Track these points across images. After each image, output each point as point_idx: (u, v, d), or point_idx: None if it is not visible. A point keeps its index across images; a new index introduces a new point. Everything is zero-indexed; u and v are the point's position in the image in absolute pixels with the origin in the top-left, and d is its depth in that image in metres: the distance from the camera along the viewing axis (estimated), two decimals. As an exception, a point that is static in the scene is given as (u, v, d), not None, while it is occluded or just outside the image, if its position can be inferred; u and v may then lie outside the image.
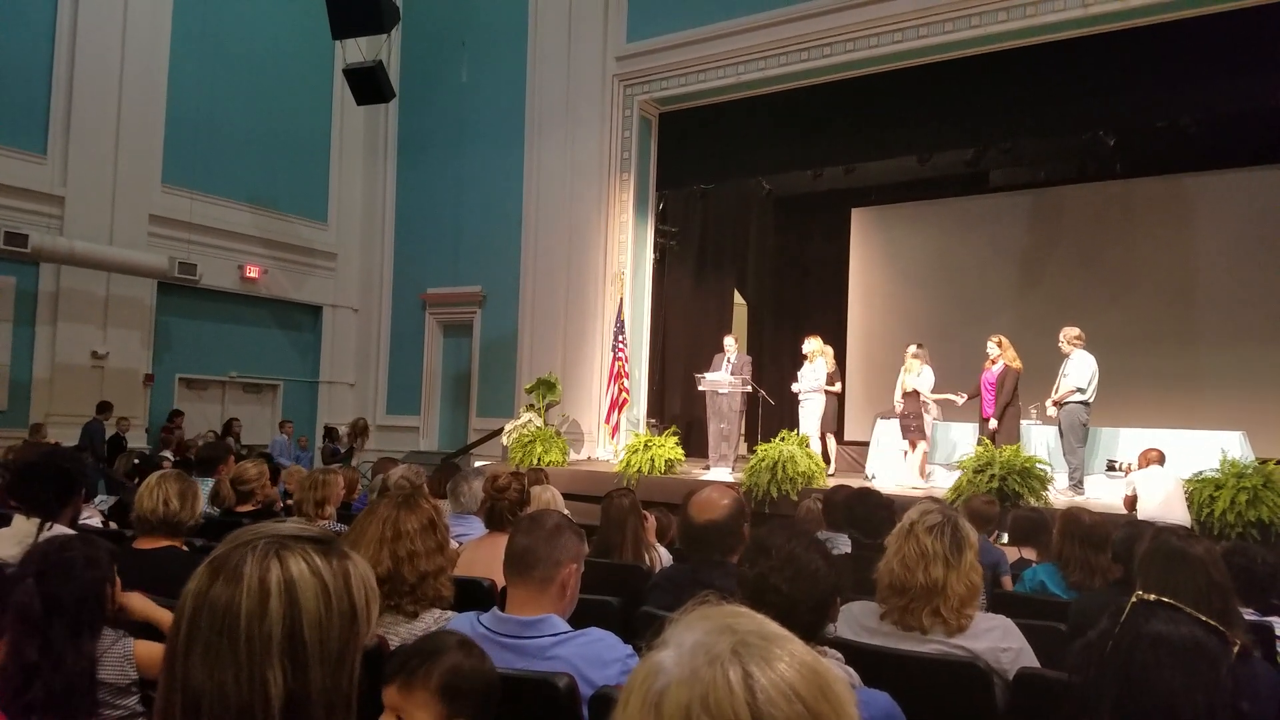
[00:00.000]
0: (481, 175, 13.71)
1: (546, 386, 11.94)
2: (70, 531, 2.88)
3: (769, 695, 0.73)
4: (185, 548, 2.94)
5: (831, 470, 10.04)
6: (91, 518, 4.75)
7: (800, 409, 10.39)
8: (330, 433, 14.25)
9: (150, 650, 2.04)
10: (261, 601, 1.03)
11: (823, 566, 2.10)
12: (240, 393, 14.27)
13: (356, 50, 11.54)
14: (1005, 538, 5.37)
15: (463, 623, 2.26)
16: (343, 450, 13.66)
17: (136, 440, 11.90)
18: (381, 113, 14.56)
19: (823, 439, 10.34)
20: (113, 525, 4.92)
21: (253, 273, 13.81)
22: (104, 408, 11.28)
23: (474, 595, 2.99)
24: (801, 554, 2.09)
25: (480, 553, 3.41)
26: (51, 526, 2.98)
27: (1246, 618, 3.00)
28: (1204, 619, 1.71)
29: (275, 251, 14.24)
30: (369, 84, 11.51)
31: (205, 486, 5.18)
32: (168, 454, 10.73)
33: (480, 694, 1.70)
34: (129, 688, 2.05)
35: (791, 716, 0.73)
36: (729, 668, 0.74)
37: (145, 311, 12.63)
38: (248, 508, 4.91)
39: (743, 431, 10.62)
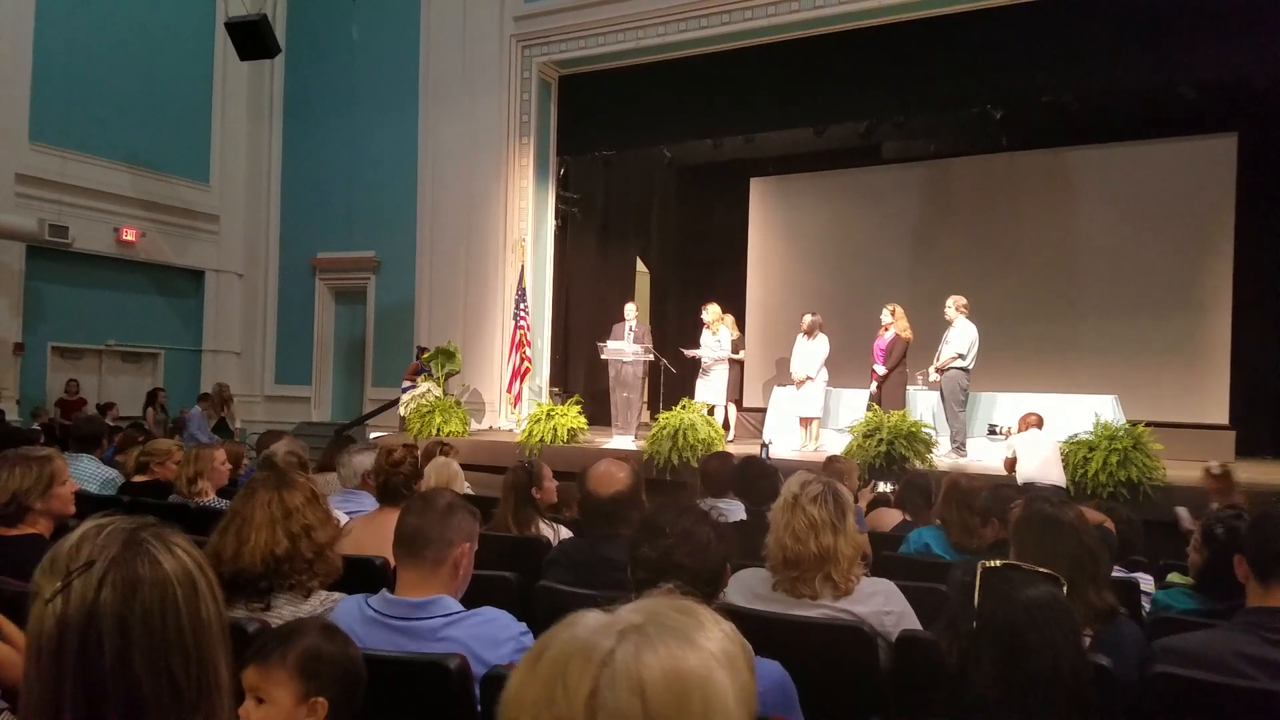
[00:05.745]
0: (374, 137, 13.25)
1: (446, 355, 11.71)
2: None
3: (614, 680, 0.71)
4: (46, 534, 2.76)
5: (731, 437, 10.19)
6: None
7: (704, 377, 10.47)
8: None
9: (5, 653, 1.89)
10: (192, 587, 1.05)
11: (714, 539, 2.16)
12: (119, 362, 13.57)
13: (239, 3, 10.97)
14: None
15: (350, 605, 2.20)
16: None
17: (8, 413, 11.19)
18: (267, 70, 13.90)
19: (725, 406, 10.47)
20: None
21: (130, 235, 13.05)
22: None
23: (366, 574, 2.91)
24: (694, 528, 2.15)
25: (371, 529, 3.33)
26: None
27: (1114, 575, 3.18)
28: (1044, 571, 1.80)
29: (154, 214, 13.48)
30: (253, 39, 10.94)
31: (78, 463, 4.96)
32: (36, 426, 10.15)
33: (341, 676, 1.69)
34: None
35: (624, 709, 0.70)
36: (607, 640, 0.74)
37: (14, 277, 11.85)
38: (144, 479, 4.84)
39: (645, 399, 10.66)
